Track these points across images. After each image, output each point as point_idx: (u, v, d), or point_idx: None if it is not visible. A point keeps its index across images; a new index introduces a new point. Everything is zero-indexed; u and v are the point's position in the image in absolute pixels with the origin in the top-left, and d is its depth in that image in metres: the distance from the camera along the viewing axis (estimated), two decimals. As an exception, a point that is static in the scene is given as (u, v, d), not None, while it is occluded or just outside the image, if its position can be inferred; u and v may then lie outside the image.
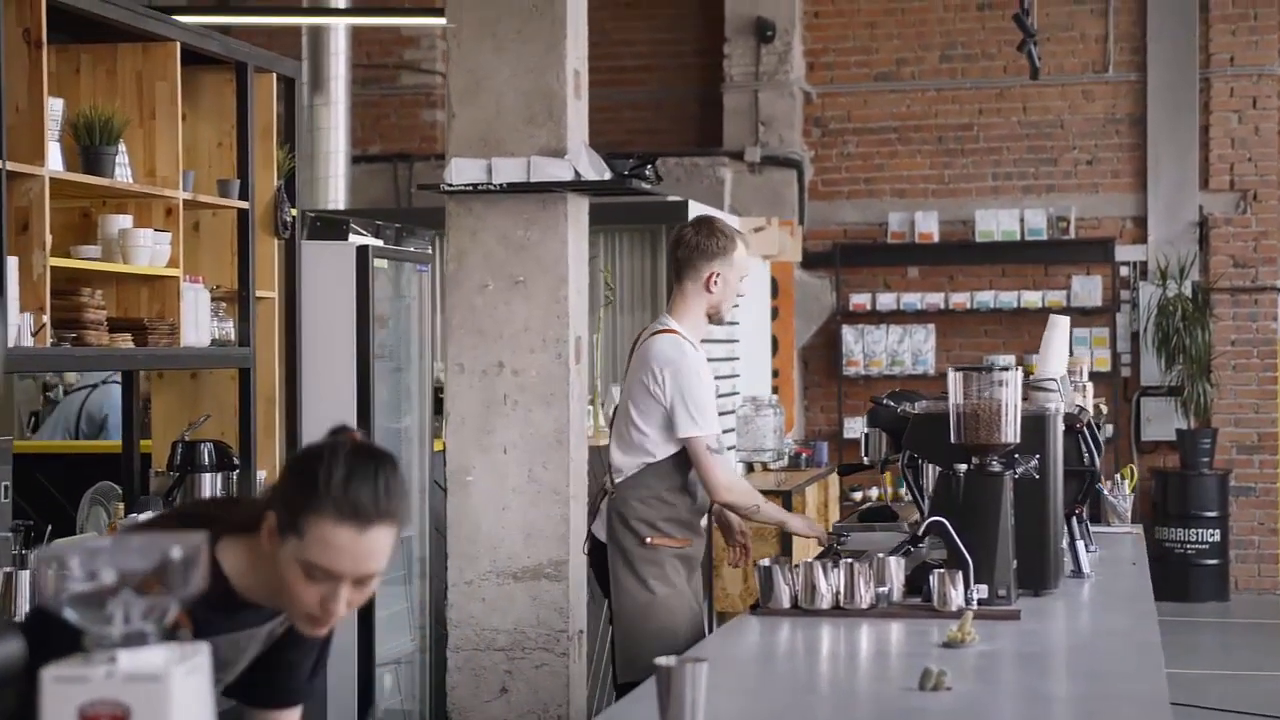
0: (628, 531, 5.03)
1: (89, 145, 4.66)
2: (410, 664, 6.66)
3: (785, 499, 9.02)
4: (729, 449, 9.85)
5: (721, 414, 9.51)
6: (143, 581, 1.74)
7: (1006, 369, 4.42)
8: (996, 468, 4.40)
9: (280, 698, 2.87)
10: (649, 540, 5.00)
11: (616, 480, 5.06)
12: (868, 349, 12.80)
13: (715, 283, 5.07)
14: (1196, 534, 12.10)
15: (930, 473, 4.79)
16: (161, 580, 1.74)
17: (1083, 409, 5.52)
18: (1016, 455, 4.50)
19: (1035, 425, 4.54)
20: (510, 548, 5.68)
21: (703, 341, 5.17)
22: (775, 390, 12.09)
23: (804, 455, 10.63)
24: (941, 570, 4.22)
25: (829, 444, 11.41)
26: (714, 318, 5.15)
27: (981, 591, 4.27)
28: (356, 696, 6.10)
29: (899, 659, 3.73)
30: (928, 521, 4.38)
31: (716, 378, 9.57)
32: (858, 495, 11.78)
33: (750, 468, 10.19)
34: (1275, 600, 12.33)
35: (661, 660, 2.74)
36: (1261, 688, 9.33)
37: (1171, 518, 12.17)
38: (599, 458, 7.68)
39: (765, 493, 8.91)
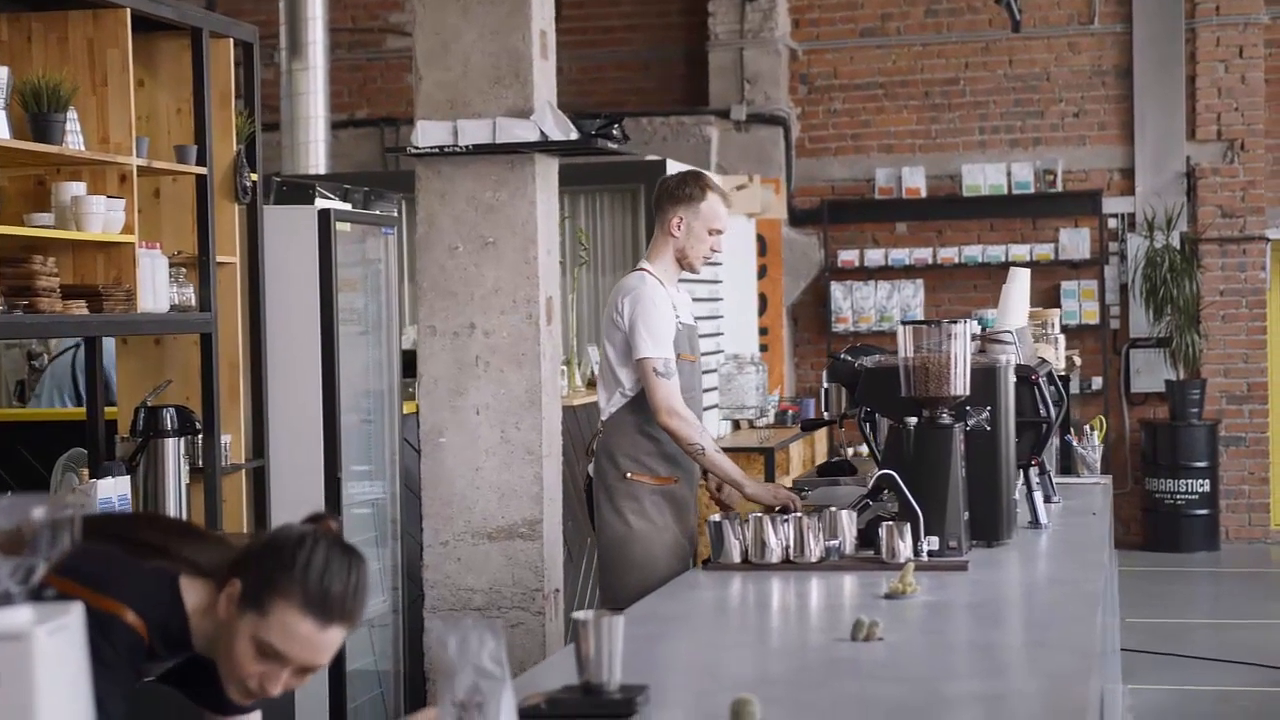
0: (611, 465, 5.17)
1: (37, 113, 4.66)
2: (385, 625, 6.70)
3: (768, 456, 9.05)
4: (712, 407, 9.87)
5: (706, 371, 9.59)
6: (8, 542, 1.76)
7: (955, 322, 4.43)
8: (946, 420, 4.42)
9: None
10: (629, 475, 5.13)
11: (602, 419, 5.23)
12: (856, 305, 12.80)
13: (679, 227, 5.22)
14: (1186, 484, 12.12)
15: (884, 426, 4.81)
16: (27, 541, 1.76)
17: (1044, 361, 5.53)
18: (968, 408, 4.52)
19: (986, 378, 4.55)
20: (484, 508, 5.70)
21: (687, 294, 5.35)
22: (764, 348, 12.11)
23: (790, 412, 10.64)
24: (890, 523, 4.24)
25: (816, 401, 11.41)
26: (683, 263, 5.27)
27: (932, 543, 4.30)
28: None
29: (840, 611, 3.75)
30: (877, 474, 4.40)
31: (700, 335, 9.62)
32: (849, 451, 11.80)
33: (736, 425, 10.21)
34: (1265, 549, 12.36)
35: (578, 614, 2.76)
36: (1252, 636, 9.36)
37: (1161, 468, 12.19)
38: (589, 410, 7.75)
39: (748, 450, 9.03)
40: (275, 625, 2.51)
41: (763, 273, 12.28)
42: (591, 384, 8.39)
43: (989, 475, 4.54)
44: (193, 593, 2.60)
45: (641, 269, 5.28)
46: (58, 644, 1.75)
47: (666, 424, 5.07)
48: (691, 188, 5.26)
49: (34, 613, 1.75)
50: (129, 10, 5.06)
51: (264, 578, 2.53)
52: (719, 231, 5.28)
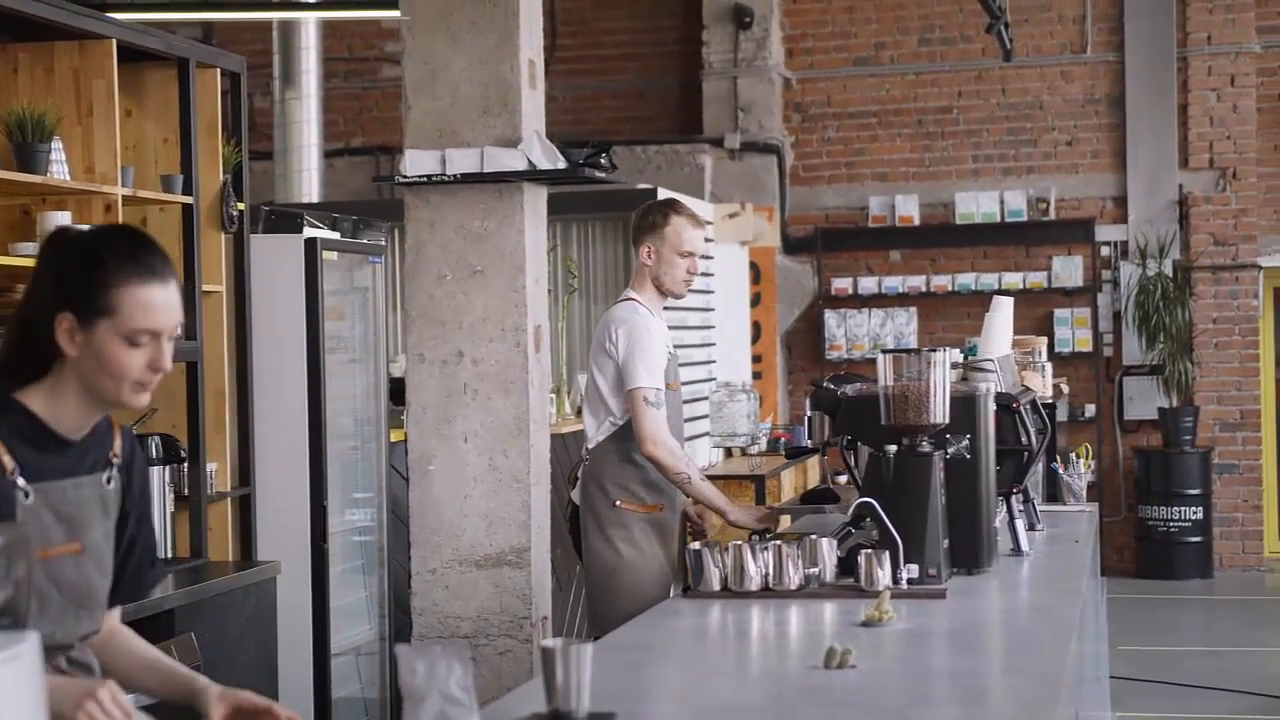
0: (600, 493, 5.23)
1: (21, 143, 4.69)
2: (371, 654, 6.70)
3: (759, 483, 9.05)
4: (703, 435, 9.88)
5: (697, 400, 9.60)
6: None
7: (935, 350, 4.45)
8: (926, 448, 4.43)
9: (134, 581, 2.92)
10: (618, 503, 5.20)
11: (589, 446, 5.29)
12: (850, 333, 12.82)
13: (650, 255, 5.36)
14: (1180, 512, 12.12)
15: (865, 454, 4.82)
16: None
17: (1028, 389, 5.54)
18: (948, 436, 4.53)
19: (966, 406, 4.56)
20: (472, 535, 5.71)
21: (677, 326, 5.43)
22: (758, 375, 12.13)
23: (783, 440, 10.65)
24: (869, 550, 4.25)
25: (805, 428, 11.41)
26: (661, 289, 5.37)
27: (912, 571, 4.30)
28: (313, 685, 6.14)
29: (815, 639, 3.76)
30: (857, 502, 4.41)
31: (691, 364, 9.65)
32: (843, 479, 11.79)
33: (729, 453, 10.22)
34: (1259, 576, 12.35)
35: (546, 642, 2.78)
36: (1245, 663, 9.36)
37: (1155, 496, 12.19)
38: (579, 438, 7.76)
39: (739, 477, 9.05)
40: (132, 310, 2.65)
41: (756, 300, 12.31)
42: (580, 411, 8.40)
43: (969, 503, 4.55)
44: (34, 397, 2.70)
45: (630, 299, 5.35)
46: (10, 674, 1.76)
47: (652, 454, 5.11)
48: (655, 215, 5.39)
49: (-12, 641, 1.77)
50: (115, 41, 5.10)
51: (88, 288, 2.65)
52: (690, 254, 5.36)
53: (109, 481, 2.82)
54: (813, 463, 11.22)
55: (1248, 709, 8.13)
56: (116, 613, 2.96)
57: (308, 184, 10.47)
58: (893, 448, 4.42)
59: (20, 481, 2.66)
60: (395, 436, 6.63)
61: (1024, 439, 5.04)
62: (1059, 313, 12.54)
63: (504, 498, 5.72)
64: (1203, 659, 9.51)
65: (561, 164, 5.70)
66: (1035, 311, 12.38)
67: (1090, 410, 12.44)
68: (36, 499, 2.68)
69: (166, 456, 5.34)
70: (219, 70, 5.79)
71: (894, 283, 12.75)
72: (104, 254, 2.67)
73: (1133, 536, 12.40)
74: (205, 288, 5.64)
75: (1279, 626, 10.86)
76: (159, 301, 2.68)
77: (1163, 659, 9.34)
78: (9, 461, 2.64)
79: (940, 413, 4.41)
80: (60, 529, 2.72)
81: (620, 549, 5.16)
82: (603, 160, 5.98)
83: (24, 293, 2.80)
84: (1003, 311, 5.52)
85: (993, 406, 4.72)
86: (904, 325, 12.76)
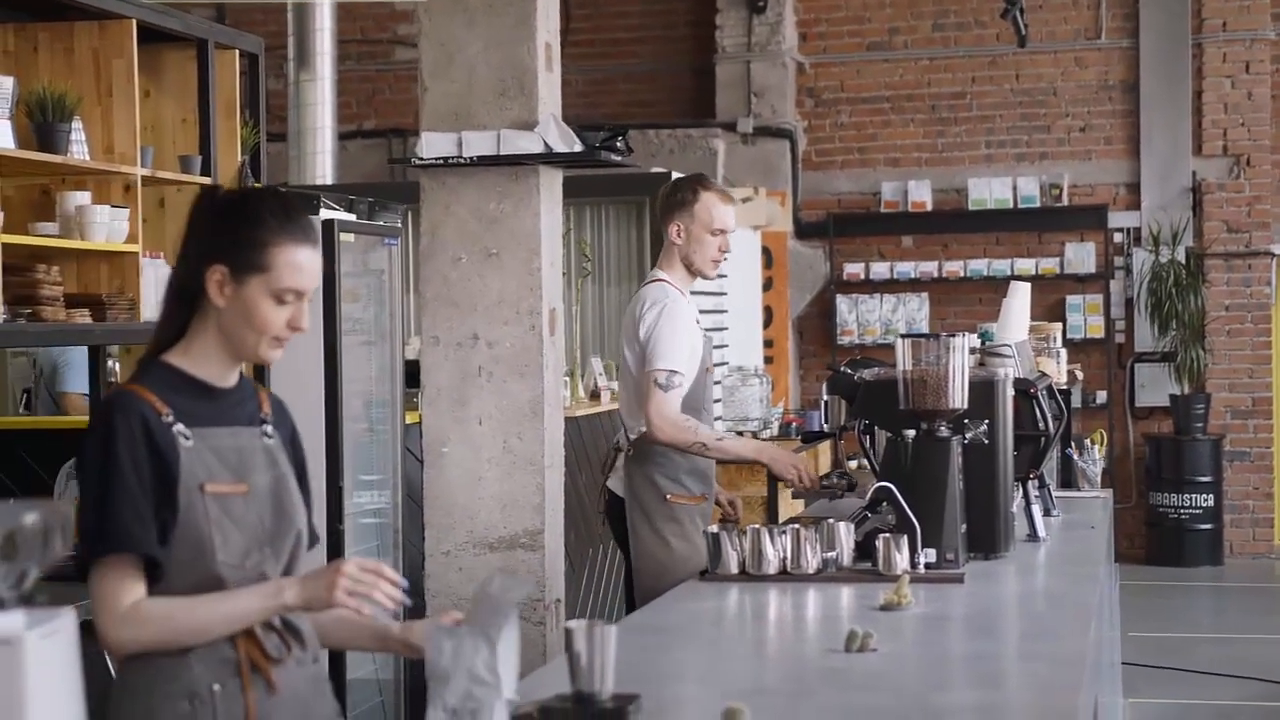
0: (649, 486, 5.12)
1: (42, 122, 4.69)
2: (386, 635, 6.71)
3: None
4: (716, 419, 9.87)
5: (713, 383, 9.58)
6: (1, 548, 1.77)
7: (954, 335, 4.44)
8: (944, 433, 4.43)
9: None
10: (669, 496, 5.10)
11: (632, 437, 5.14)
12: (862, 318, 12.82)
13: (680, 234, 5.22)
14: (1190, 499, 12.12)
15: (883, 439, 4.82)
16: (20, 547, 1.78)
17: (1045, 375, 5.54)
18: (966, 420, 4.53)
19: (984, 391, 4.56)
20: (487, 518, 5.71)
21: (695, 301, 5.36)
22: (770, 360, 12.12)
23: (795, 424, 10.64)
24: (887, 535, 4.25)
25: (821, 414, 11.41)
26: (691, 269, 5.26)
27: (930, 556, 4.30)
28: (327, 666, 6.14)
29: (835, 622, 3.76)
30: (875, 487, 4.41)
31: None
32: (854, 464, 11.78)
33: (740, 437, 10.21)
34: (1269, 564, 12.35)
35: (570, 623, 2.78)
36: (1255, 650, 9.36)
37: (1166, 483, 12.19)
38: (612, 420, 7.75)
39: (750, 461, 8.98)
40: (283, 269, 2.77)
41: (768, 285, 12.30)
42: (595, 395, 8.41)
43: (986, 488, 4.55)
44: (177, 356, 2.83)
45: (660, 279, 5.25)
46: (49, 649, 1.76)
47: (656, 437, 5.04)
48: (684, 192, 5.27)
49: (26, 618, 1.77)
50: (135, 21, 5.10)
51: (245, 244, 2.77)
52: (721, 231, 5.26)
53: (268, 436, 2.93)
54: (824, 447, 11.23)
55: (1258, 696, 8.14)
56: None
57: (322, 166, 10.47)
58: (911, 432, 4.42)
59: (179, 426, 2.77)
60: (410, 419, 6.64)
61: (1041, 424, 5.03)
62: (1071, 299, 12.53)
63: (518, 480, 5.72)
64: (1213, 646, 9.51)
65: (578, 147, 5.69)
66: (1047, 298, 12.37)
67: (1102, 397, 12.43)
68: (197, 442, 2.78)
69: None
70: (237, 51, 5.79)
71: (906, 268, 12.74)
72: (264, 213, 2.79)
73: (1143, 523, 12.40)
74: (223, 269, 5.64)
75: (1288, 614, 10.88)
76: (308, 263, 2.81)
77: (1173, 646, 9.34)
78: (163, 408, 2.76)
79: (959, 398, 4.41)
80: (226, 472, 2.82)
81: (671, 543, 5.06)
82: (619, 144, 5.98)
83: (176, 259, 2.90)
84: (1020, 297, 5.52)
85: (1011, 392, 4.72)
86: (916, 311, 12.75)
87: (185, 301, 2.84)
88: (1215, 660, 8.92)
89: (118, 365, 6.73)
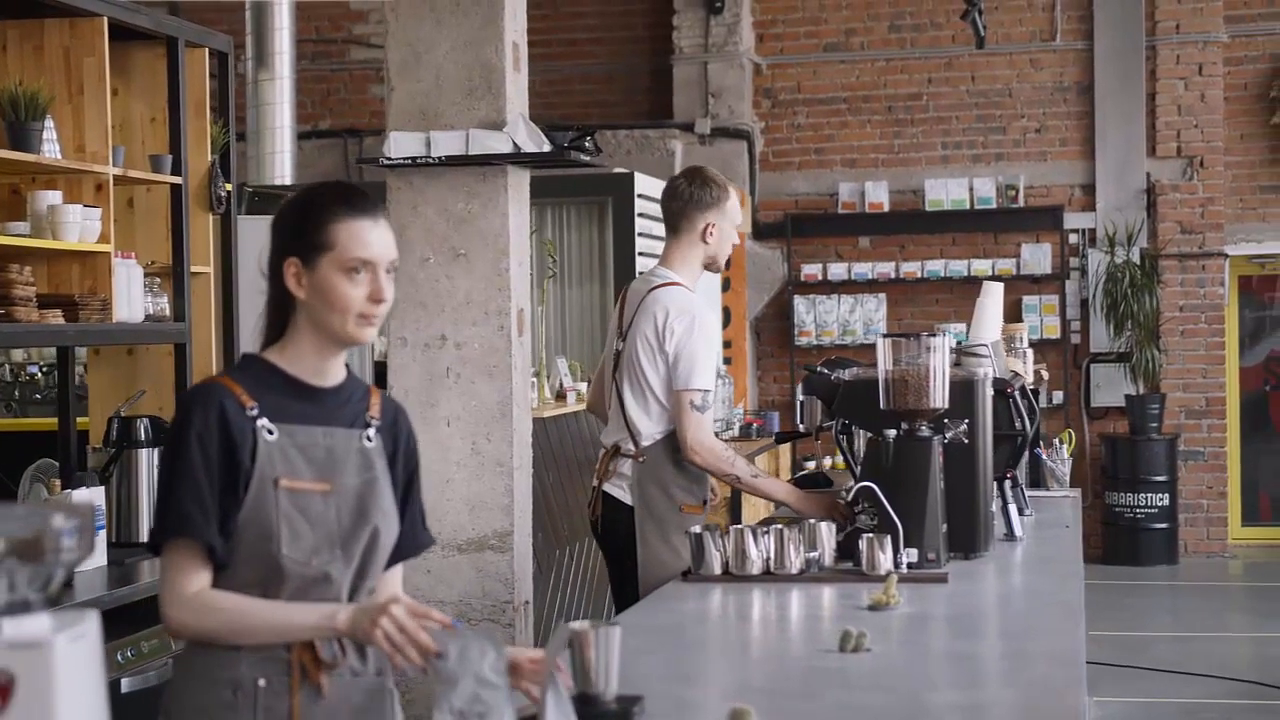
0: (662, 496, 4.90)
1: (14, 121, 4.63)
2: (355, 637, 6.67)
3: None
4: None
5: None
6: (27, 549, 1.75)
7: (934, 335, 4.45)
8: (925, 433, 4.44)
9: (406, 543, 3.00)
10: (683, 507, 4.91)
11: (643, 444, 4.89)
12: (820, 319, 12.85)
13: (711, 233, 4.99)
14: (1146, 498, 12.20)
15: (862, 439, 4.82)
16: (46, 549, 1.75)
17: (1017, 375, 5.56)
18: (946, 420, 4.54)
19: (964, 391, 4.57)
20: (455, 520, 5.70)
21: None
22: (728, 361, 12.13)
23: (755, 425, 10.67)
24: (870, 535, 4.26)
25: (780, 414, 11.45)
26: (711, 267, 5.07)
27: (911, 555, 4.31)
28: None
29: (823, 622, 3.77)
30: (856, 487, 4.42)
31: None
32: (811, 464, 11.82)
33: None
34: (1223, 562, 12.45)
35: (574, 624, 2.76)
36: (1213, 648, 9.43)
37: (1121, 482, 12.27)
38: (579, 421, 7.71)
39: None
40: (348, 243, 2.82)
41: (726, 286, 12.31)
42: (561, 396, 8.38)
43: (967, 488, 4.56)
44: (274, 354, 2.89)
45: (679, 284, 4.98)
46: (77, 652, 1.74)
47: (692, 460, 4.83)
48: (714, 189, 4.98)
49: (53, 621, 1.75)
50: (106, 19, 5.04)
51: (309, 231, 2.84)
52: (738, 228, 5.09)
53: (368, 440, 2.92)
54: (784, 448, 11.25)
55: (1216, 694, 8.20)
56: (397, 577, 3.05)
57: (281, 165, 10.40)
58: (892, 432, 4.43)
59: (263, 421, 2.82)
60: (378, 420, 6.59)
61: (1018, 424, 5.05)
62: (1027, 300, 12.60)
63: (487, 482, 5.71)
64: (1170, 644, 9.58)
65: (547, 147, 5.69)
66: (1004, 298, 12.40)
67: (1058, 397, 12.50)
68: (282, 438, 2.84)
69: (155, 439, 5.29)
70: (206, 50, 5.74)
71: (863, 269, 12.78)
72: (317, 199, 2.87)
73: (1099, 522, 12.47)
74: (193, 269, 5.59)
75: (1244, 612, 10.96)
76: (371, 233, 2.84)
77: (1131, 644, 9.40)
78: (248, 401, 2.82)
79: (940, 397, 4.42)
80: (310, 468, 2.85)
81: (681, 552, 4.75)
82: (588, 144, 5.97)
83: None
84: (993, 297, 5.54)
85: (990, 391, 4.73)
86: (873, 312, 12.79)
87: (279, 307, 2.89)
88: (1174, 658, 8.98)
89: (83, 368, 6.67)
